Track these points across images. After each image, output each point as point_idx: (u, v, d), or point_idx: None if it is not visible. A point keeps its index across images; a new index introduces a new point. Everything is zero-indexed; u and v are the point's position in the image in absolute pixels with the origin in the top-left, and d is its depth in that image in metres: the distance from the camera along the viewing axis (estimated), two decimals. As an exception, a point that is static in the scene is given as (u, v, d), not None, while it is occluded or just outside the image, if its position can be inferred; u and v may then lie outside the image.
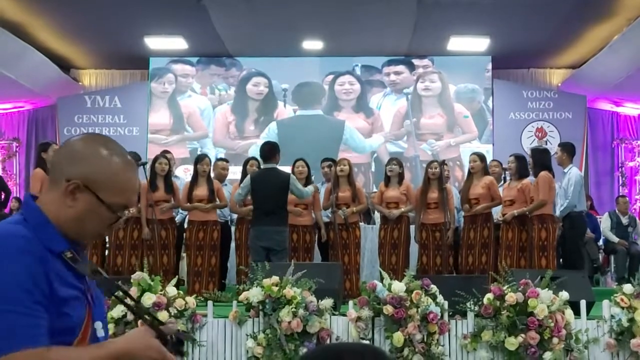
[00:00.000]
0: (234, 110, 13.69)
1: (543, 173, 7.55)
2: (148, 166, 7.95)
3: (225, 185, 8.49)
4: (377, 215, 9.84)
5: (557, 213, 8.00)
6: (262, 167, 7.52)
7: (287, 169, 7.90)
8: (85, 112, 13.73)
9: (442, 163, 8.21)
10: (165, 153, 8.39)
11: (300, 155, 8.52)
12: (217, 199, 7.94)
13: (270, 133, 13.39)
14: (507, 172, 8.46)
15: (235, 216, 8.44)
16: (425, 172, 8.22)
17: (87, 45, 12.90)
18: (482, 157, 8.08)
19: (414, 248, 8.14)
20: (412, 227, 8.16)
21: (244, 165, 8.39)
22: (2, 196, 9.92)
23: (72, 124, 13.64)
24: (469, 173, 8.12)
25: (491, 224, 7.81)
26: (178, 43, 12.74)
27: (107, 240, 7.71)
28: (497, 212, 7.97)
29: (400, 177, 8.17)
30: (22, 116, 14.34)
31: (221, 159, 9.00)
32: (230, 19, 11.42)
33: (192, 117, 13.70)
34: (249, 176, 7.55)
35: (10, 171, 13.79)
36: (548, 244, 7.42)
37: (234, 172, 9.98)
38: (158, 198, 7.67)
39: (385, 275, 5.31)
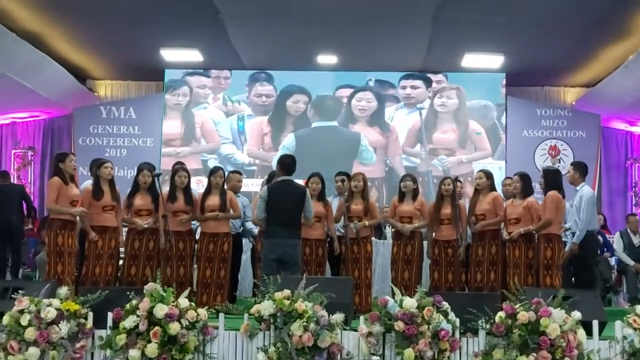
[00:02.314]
0: (271, 122, 13.83)
1: (551, 192, 7.53)
2: (162, 177, 7.96)
3: (239, 196, 8.49)
4: (388, 231, 9.83)
5: (573, 230, 7.96)
6: (279, 179, 7.52)
7: (299, 182, 7.89)
8: (100, 122, 13.84)
9: (456, 179, 8.21)
10: (180, 164, 8.42)
11: (315, 167, 8.52)
12: (231, 210, 7.94)
13: (288, 145, 13.57)
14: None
15: (251, 228, 8.44)
16: (438, 189, 8.22)
17: (103, 56, 13.03)
18: (488, 175, 8.06)
19: (426, 264, 8.13)
20: (425, 243, 8.15)
21: (269, 179, 8.35)
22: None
23: (87, 134, 13.75)
24: (475, 190, 8.12)
25: (499, 241, 7.78)
26: (193, 55, 12.83)
27: (121, 250, 7.73)
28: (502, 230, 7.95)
29: (415, 192, 8.16)
30: (37, 125, 14.46)
31: (235, 172, 8.99)
32: (246, 32, 11.51)
33: (206, 129, 13.79)
34: (265, 187, 7.56)
35: (25, 180, 13.90)
36: (553, 263, 7.39)
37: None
38: (177, 209, 7.69)
39: (396, 291, 5.30)
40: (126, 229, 7.82)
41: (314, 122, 13.80)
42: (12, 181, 11.09)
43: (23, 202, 9.97)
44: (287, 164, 7.45)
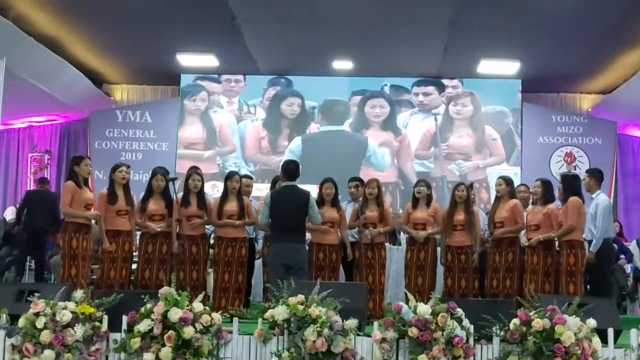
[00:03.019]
0: (266, 126, 13.85)
1: (573, 198, 7.47)
2: (178, 182, 7.99)
3: (251, 200, 8.52)
4: (402, 237, 9.82)
5: (589, 238, 7.91)
6: (283, 184, 7.56)
7: (310, 186, 7.89)
8: (116, 126, 13.92)
9: (470, 186, 8.18)
10: (195, 169, 8.44)
11: (323, 171, 8.53)
12: (247, 215, 7.97)
13: (294, 148, 13.58)
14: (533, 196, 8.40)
15: (262, 234, 8.46)
16: (452, 194, 8.20)
17: (119, 61, 13.10)
18: (508, 181, 8.02)
19: (440, 270, 8.11)
20: (439, 250, 8.13)
21: (273, 184, 8.42)
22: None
23: (103, 138, 13.84)
24: (496, 197, 8.09)
25: (516, 248, 7.73)
26: (209, 60, 12.87)
27: (134, 254, 7.76)
28: (522, 236, 7.90)
29: (429, 198, 8.16)
30: (54, 129, 14.57)
31: (245, 176, 9.03)
32: (262, 38, 11.53)
33: (224, 133, 13.83)
34: (269, 193, 7.59)
35: (41, 183, 13.98)
36: (576, 270, 7.33)
37: (262, 188, 9.95)
38: (190, 213, 7.70)
39: (410, 297, 5.30)
40: (139, 232, 7.85)
41: (322, 126, 13.80)
42: (47, 188, 11.25)
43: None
44: (290, 169, 7.47)
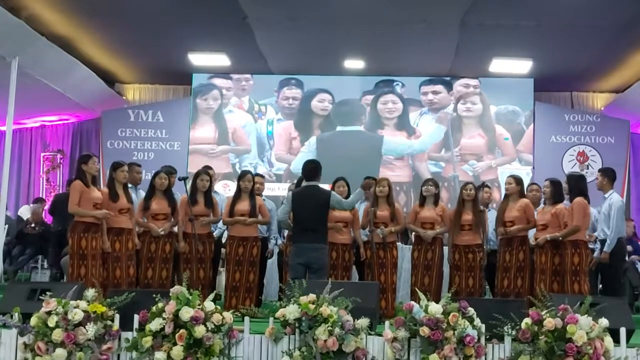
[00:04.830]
0: (297, 126, 13.84)
1: (578, 199, 7.43)
2: (189, 181, 8.01)
3: (265, 200, 8.52)
4: (413, 236, 9.81)
5: (601, 238, 7.87)
6: (303, 184, 7.56)
7: (326, 186, 7.90)
8: (128, 126, 13.95)
9: (483, 185, 8.14)
10: (207, 169, 8.45)
11: (340, 172, 8.53)
12: (260, 215, 7.97)
13: (310, 148, 13.54)
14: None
15: (274, 233, 8.47)
16: (459, 194, 8.17)
17: (132, 61, 13.13)
18: (518, 180, 7.99)
19: (447, 269, 8.09)
20: (446, 249, 8.11)
21: (298, 183, 8.40)
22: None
23: (115, 137, 13.88)
24: (505, 196, 8.06)
25: (527, 247, 7.70)
26: (221, 60, 12.88)
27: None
28: (531, 236, 7.88)
29: (436, 197, 8.13)
30: (67, 128, 14.64)
31: (257, 174, 9.03)
32: (273, 37, 11.55)
33: (237, 133, 13.83)
34: (290, 193, 7.60)
35: (54, 182, 14.08)
36: (580, 270, 7.28)
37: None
38: (198, 212, 7.71)
39: (422, 296, 5.29)
40: (140, 230, 7.81)
41: (336, 126, 13.78)
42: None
43: None
44: (308, 169, 7.50)
